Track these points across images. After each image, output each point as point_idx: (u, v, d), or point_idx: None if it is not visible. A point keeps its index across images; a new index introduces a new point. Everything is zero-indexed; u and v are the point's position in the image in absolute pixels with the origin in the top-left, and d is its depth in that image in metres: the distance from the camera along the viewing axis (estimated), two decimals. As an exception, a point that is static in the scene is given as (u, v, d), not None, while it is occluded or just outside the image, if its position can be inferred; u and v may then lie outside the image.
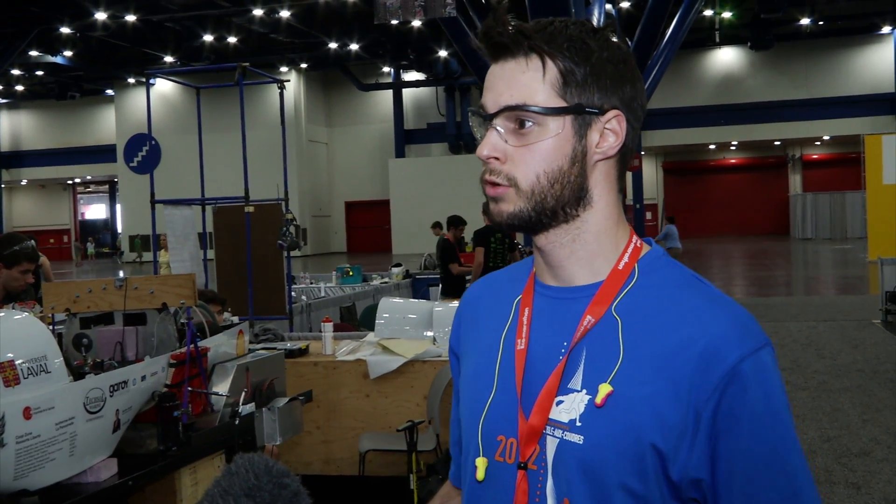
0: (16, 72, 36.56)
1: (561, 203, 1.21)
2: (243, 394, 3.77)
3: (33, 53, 31.94)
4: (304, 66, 38.42)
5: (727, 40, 36.70)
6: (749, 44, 33.28)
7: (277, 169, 9.09)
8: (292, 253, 8.38)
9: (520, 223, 1.22)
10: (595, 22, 17.16)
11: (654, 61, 21.48)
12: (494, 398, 1.26)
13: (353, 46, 33.37)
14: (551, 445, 1.19)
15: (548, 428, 1.19)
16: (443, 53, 34.20)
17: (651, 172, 43.38)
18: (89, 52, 33.14)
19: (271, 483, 1.14)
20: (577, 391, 1.18)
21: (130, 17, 27.95)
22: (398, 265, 14.25)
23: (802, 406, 7.73)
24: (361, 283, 12.71)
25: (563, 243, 1.24)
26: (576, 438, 1.16)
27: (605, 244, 1.25)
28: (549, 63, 1.19)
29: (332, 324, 6.01)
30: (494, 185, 1.22)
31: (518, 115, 1.20)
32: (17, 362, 2.63)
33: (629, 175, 34.34)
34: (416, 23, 27.14)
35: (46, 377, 2.72)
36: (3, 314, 2.86)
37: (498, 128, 1.22)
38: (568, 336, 1.22)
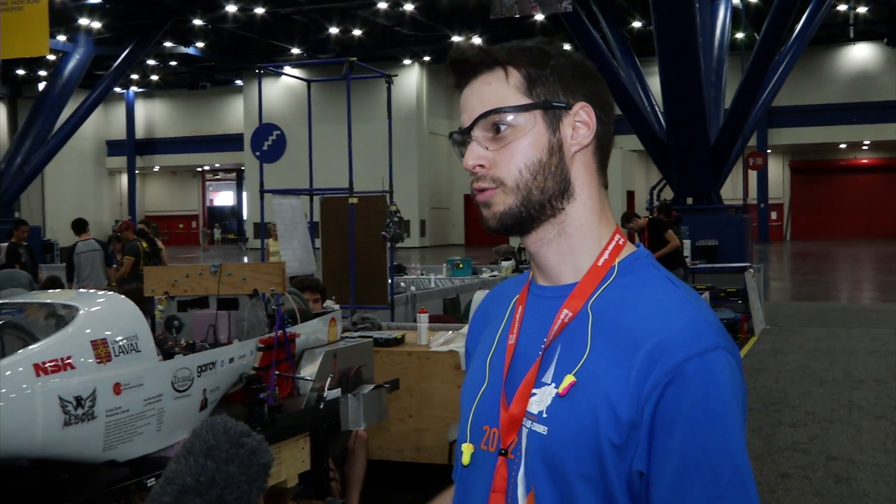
0: (151, 62, 38.17)
1: (547, 195, 1.28)
2: (329, 379, 3.89)
3: (167, 44, 33.42)
4: (426, 58, 38.76)
5: (862, 36, 35.42)
6: (885, 40, 32.09)
7: (396, 161, 9.24)
8: (409, 244, 8.50)
9: (511, 221, 1.28)
10: (721, 17, 17.03)
11: (782, 57, 20.88)
12: (485, 390, 1.33)
13: (476, 39, 33.52)
14: (524, 436, 1.24)
15: (524, 419, 1.24)
16: (567, 47, 33.96)
17: (777, 171, 42.20)
18: (220, 43, 34.36)
19: (228, 443, 1.22)
20: (548, 384, 1.24)
21: (259, 10, 28.94)
22: (508, 258, 14.26)
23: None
24: (471, 276, 12.76)
25: (549, 239, 1.30)
26: (541, 429, 1.21)
27: (588, 238, 1.30)
28: (511, 70, 1.30)
29: (427, 315, 6.10)
30: (482, 190, 1.29)
31: (492, 120, 1.28)
32: (109, 341, 2.81)
33: (754, 174, 33.50)
34: (539, 16, 27.10)
35: (137, 356, 2.89)
36: (100, 296, 3.05)
37: (477, 138, 1.30)
38: (547, 332, 1.28)
